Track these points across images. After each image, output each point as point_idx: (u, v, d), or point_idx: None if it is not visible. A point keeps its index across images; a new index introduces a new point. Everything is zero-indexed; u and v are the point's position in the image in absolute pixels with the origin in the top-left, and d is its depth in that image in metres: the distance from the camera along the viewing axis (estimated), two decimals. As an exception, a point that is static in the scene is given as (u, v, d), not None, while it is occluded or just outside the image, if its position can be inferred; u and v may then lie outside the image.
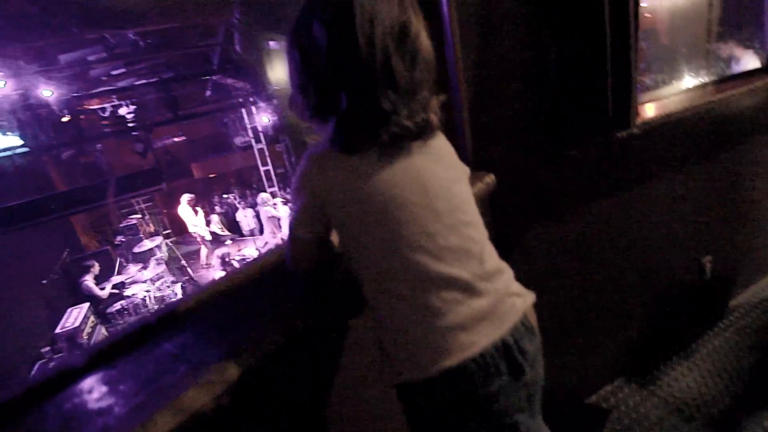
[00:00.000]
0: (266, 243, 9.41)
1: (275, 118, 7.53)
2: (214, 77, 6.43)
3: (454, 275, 0.75)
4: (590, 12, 1.43)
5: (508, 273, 0.85)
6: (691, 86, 2.28)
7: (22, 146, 4.65)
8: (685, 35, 4.06)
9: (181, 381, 0.59)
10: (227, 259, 5.98)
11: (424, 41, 0.74)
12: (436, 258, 0.74)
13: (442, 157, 0.83)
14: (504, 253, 0.85)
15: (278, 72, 5.75)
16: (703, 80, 2.44)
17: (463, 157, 1.37)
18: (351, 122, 0.73)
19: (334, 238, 0.89)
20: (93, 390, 0.61)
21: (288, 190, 12.00)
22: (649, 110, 1.92)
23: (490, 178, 1.31)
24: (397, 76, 0.71)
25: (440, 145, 0.84)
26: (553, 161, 1.53)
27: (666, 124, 1.74)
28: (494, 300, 0.77)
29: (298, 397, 0.85)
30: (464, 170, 0.89)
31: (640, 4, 1.65)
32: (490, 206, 1.39)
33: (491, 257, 0.82)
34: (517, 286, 0.84)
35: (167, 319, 0.77)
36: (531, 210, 1.54)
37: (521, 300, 0.82)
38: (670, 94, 2.17)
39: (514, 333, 0.77)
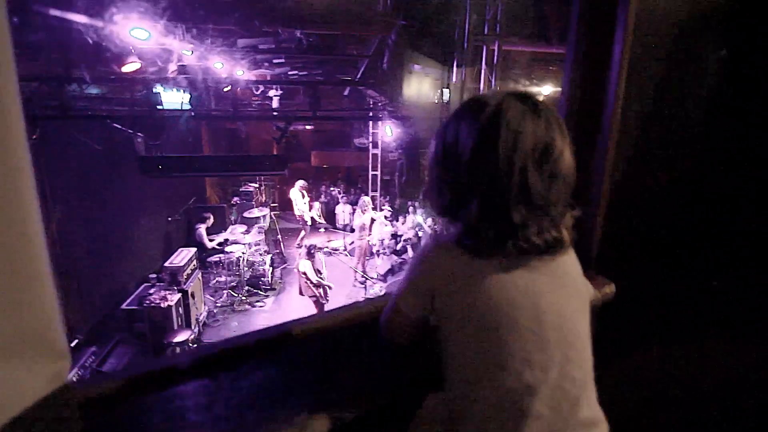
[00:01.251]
0: (353, 242, 9.81)
1: (397, 132, 7.78)
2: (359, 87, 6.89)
3: (542, 414, 0.71)
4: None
5: (602, 429, 0.78)
6: None
7: (189, 110, 5.47)
8: None
9: (266, 423, 0.64)
10: (312, 251, 6.32)
11: (566, 160, 0.74)
12: (530, 390, 0.71)
13: (567, 281, 0.80)
14: (600, 370, 0.77)
15: (413, 91, 5.97)
16: None
17: (587, 256, 1.28)
18: (479, 229, 0.74)
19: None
20: (194, 398, 0.69)
21: (388, 197, 12.38)
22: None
23: (609, 288, 1.19)
24: (533, 193, 0.72)
25: (567, 263, 0.81)
26: (688, 285, 1.35)
27: None
28: None
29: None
30: (588, 293, 0.85)
31: None
32: (601, 315, 1.27)
33: (588, 405, 0.77)
34: None
35: (268, 344, 0.83)
36: (646, 331, 1.37)
37: None
38: None
39: None
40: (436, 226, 9.10)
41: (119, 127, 5.17)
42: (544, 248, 0.74)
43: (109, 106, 5.47)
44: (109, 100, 5.48)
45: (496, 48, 4.15)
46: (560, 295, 0.77)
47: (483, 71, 4.32)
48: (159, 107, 5.28)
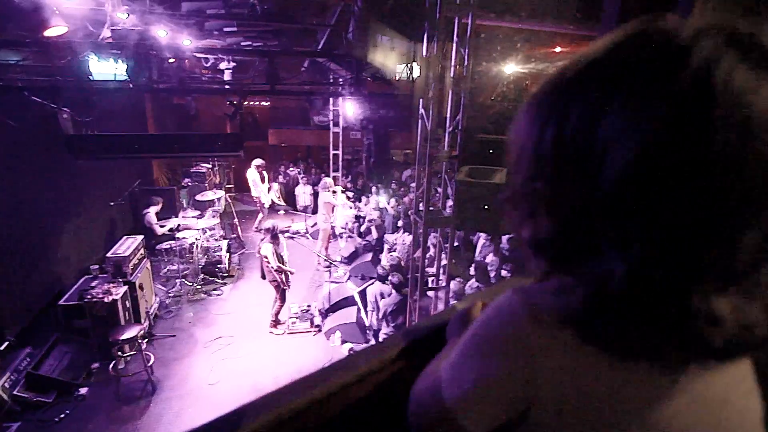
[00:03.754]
0: (315, 224, 9.48)
1: (361, 110, 7.44)
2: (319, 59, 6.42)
3: None
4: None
5: None
6: None
7: (126, 80, 4.85)
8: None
9: None
10: (276, 233, 5.97)
11: None
12: None
13: (747, 369, 0.48)
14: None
15: (379, 66, 5.64)
16: None
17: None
18: (615, 311, 0.40)
19: None
20: None
21: (350, 177, 12.03)
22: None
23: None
24: (743, 249, 0.37)
25: None
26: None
27: None
28: None
29: None
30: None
31: None
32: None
33: None
34: None
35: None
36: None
37: None
38: None
39: None
40: (399, 207, 8.91)
41: (39, 100, 4.47)
42: (744, 350, 0.42)
43: (27, 76, 4.71)
44: (27, 68, 4.72)
45: (469, 21, 3.90)
46: (746, 398, 0.46)
47: (455, 44, 4.07)
48: (89, 78, 4.62)
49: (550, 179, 0.45)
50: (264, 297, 6.60)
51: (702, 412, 0.43)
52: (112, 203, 7.32)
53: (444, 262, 5.33)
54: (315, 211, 9.81)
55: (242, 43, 6.48)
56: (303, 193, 11.09)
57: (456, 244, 6.19)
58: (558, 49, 7.15)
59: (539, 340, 0.44)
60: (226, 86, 5.92)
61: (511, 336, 0.45)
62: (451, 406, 0.50)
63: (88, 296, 5.27)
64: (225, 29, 5.73)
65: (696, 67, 0.35)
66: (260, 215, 9.72)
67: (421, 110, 4.43)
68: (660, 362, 0.42)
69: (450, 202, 4.98)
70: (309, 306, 6.64)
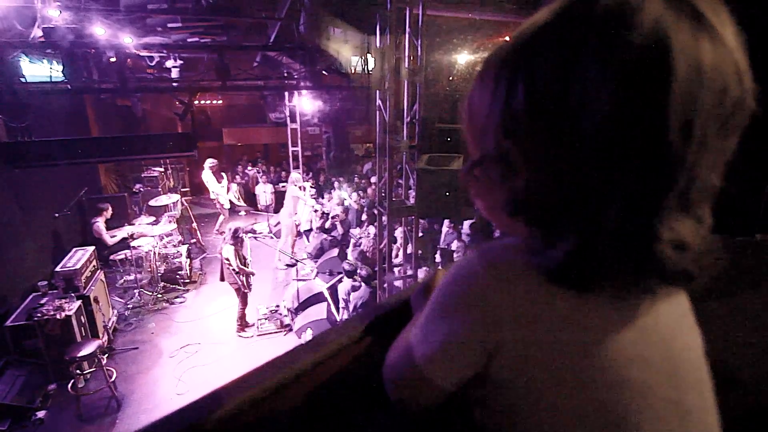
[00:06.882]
0: (278, 223, 9.31)
1: (317, 105, 7.35)
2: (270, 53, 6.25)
3: None
4: None
5: None
6: None
7: (62, 81, 4.54)
8: None
9: None
10: (238, 235, 5.83)
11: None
12: None
13: (686, 302, 0.53)
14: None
15: (332, 59, 5.59)
16: None
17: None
18: (604, 253, 0.42)
19: None
20: None
21: (311, 174, 11.87)
22: None
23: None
24: (696, 185, 0.41)
25: None
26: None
27: None
28: None
29: None
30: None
31: None
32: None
33: None
34: None
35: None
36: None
37: None
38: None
39: None
40: (362, 201, 8.90)
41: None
42: (693, 279, 0.45)
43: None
44: (-52, 72, 4.33)
45: (420, 11, 3.93)
46: (689, 330, 0.51)
47: (407, 35, 4.09)
48: (21, 80, 4.29)
49: (526, 136, 0.44)
50: (230, 301, 6.44)
51: (653, 344, 0.47)
52: (57, 215, 6.86)
53: (410, 251, 5.41)
54: (277, 210, 9.64)
55: (188, 40, 6.21)
56: (264, 192, 10.85)
57: (420, 234, 6.29)
58: (507, 38, 7.36)
59: (499, 293, 0.46)
60: (174, 84, 5.66)
61: (472, 292, 0.47)
62: (422, 364, 0.52)
63: (38, 314, 4.95)
64: (169, 25, 5.47)
65: (650, 22, 0.38)
66: (221, 217, 9.45)
67: (378, 102, 4.44)
68: (617, 299, 0.45)
69: (412, 192, 5.05)
70: (278, 306, 6.54)
